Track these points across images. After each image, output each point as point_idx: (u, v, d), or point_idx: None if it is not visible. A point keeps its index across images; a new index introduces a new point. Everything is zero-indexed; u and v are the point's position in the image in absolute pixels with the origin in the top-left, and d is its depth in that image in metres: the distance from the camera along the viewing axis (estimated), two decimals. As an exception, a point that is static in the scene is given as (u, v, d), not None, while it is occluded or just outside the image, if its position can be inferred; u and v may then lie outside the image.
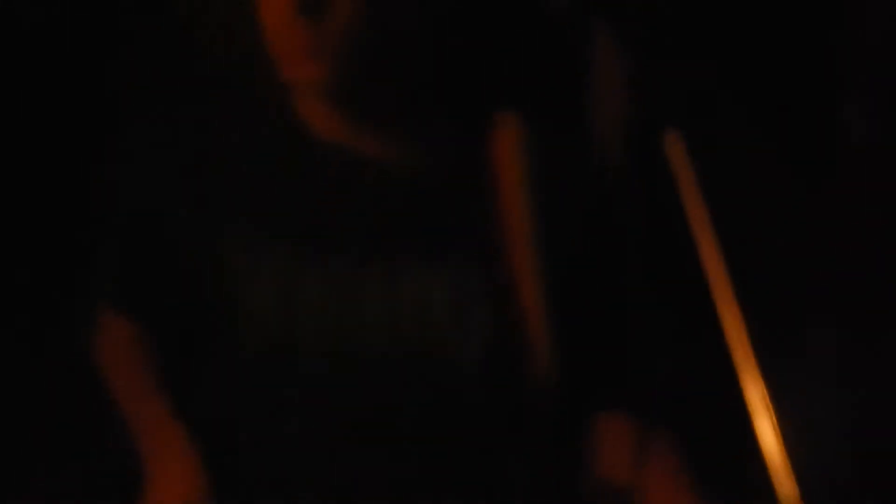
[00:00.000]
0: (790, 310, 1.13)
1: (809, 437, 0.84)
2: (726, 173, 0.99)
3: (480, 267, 0.97)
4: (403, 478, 0.95)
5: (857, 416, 1.14)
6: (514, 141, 1.03)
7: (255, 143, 0.99)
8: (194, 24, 1.31)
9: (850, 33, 1.29)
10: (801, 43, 1.27)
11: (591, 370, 0.98)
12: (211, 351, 1.00)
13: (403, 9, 0.93)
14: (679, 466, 0.95)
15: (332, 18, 0.87)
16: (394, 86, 0.98)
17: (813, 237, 1.17)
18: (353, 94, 0.95)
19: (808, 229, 1.20)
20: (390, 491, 0.94)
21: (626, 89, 1.19)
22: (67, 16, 1.47)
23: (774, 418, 0.79)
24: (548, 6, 1.18)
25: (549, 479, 0.97)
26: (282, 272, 0.95)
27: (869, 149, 1.20)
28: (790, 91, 1.26)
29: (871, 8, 1.28)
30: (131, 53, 1.39)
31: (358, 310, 0.95)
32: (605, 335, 0.99)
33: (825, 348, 1.15)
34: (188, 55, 1.29)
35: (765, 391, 0.79)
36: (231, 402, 0.99)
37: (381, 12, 0.89)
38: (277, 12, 0.89)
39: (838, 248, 1.17)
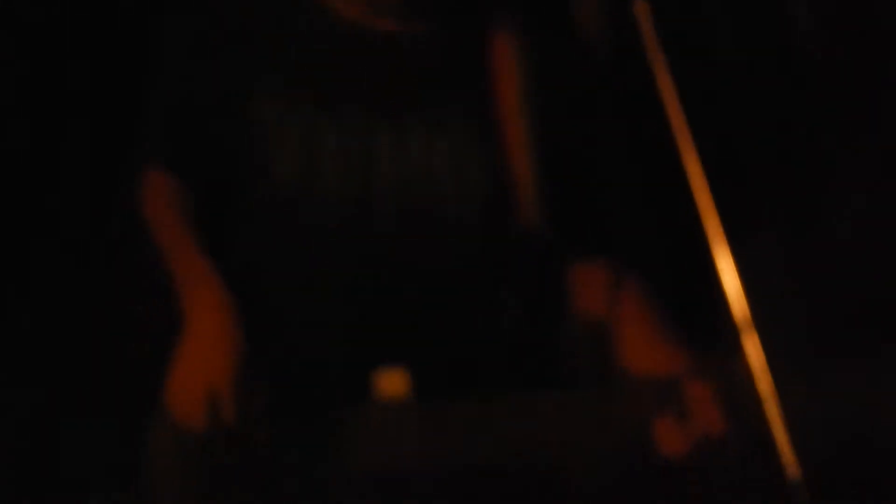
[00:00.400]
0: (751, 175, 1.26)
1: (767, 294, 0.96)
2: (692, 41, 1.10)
3: (478, 133, 1.10)
4: (405, 314, 1.09)
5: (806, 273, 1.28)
6: (511, 29, 1.15)
7: (284, 20, 1.11)
8: None
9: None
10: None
11: (572, 223, 1.12)
12: (242, 201, 1.12)
13: None
14: (650, 306, 1.08)
15: None
16: None
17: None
18: None
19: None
20: (394, 327, 1.08)
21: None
22: None
23: (737, 273, 0.91)
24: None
25: (535, 319, 1.11)
26: (304, 131, 1.08)
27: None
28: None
29: None
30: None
31: (369, 165, 1.09)
32: (585, 195, 1.13)
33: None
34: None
35: (729, 250, 0.91)
36: (258, 249, 1.12)
37: None
38: None
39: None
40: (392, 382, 1.06)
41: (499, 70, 1.14)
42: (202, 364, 1.01)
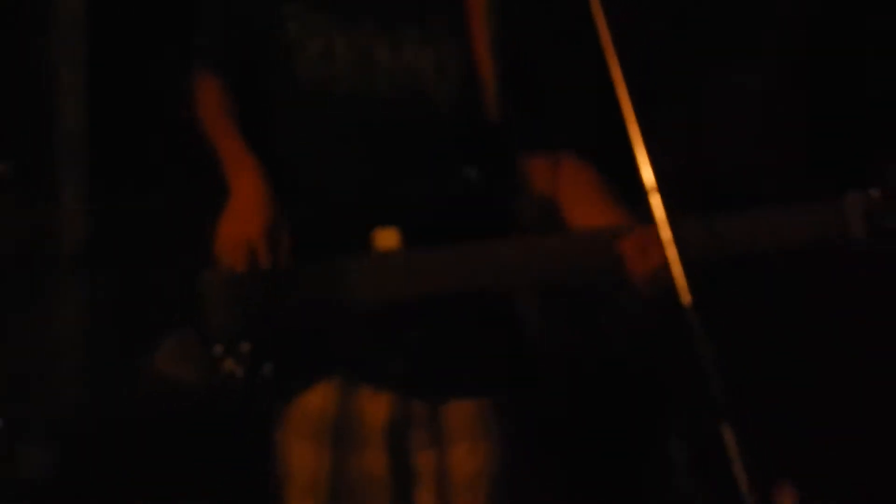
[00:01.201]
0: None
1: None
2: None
3: (456, 42, 1.43)
4: (397, 176, 1.41)
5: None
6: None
7: None
8: None
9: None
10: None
11: (527, 114, 1.44)
12: (274, 95, 1.46)
13: None
14: (590, 178, 1.41)
15: None
16: None
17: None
18: None
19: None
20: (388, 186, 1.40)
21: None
22: None
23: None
24: None
25: (496, 187, 1.43)
26: (322, 43, 1.42)
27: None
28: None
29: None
30: None
31: (372, 67, 1.42)
32: (538, 90, 1.45)
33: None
34: None
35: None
36: (288, 129, 1.45)
37: None
38: None
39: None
40: (387, 238, 1.39)
41: None
42: (242, 220, 1.34)
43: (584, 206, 1.42)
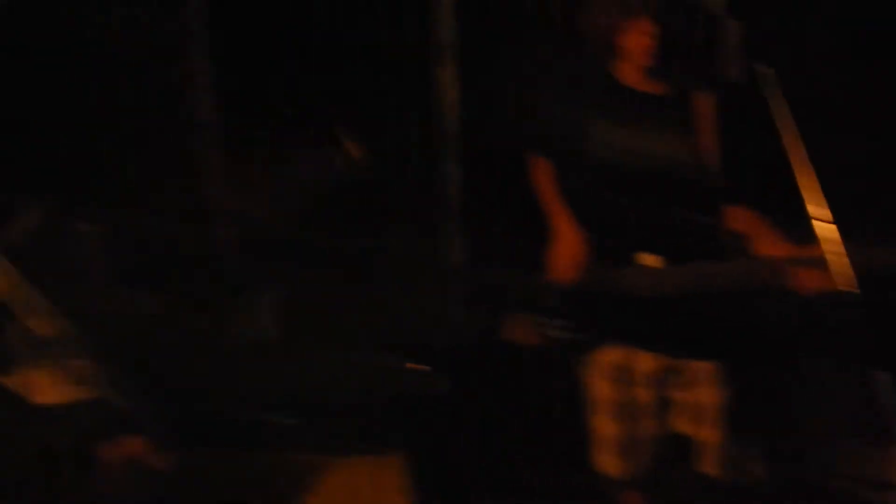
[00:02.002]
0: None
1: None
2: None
3: (689, 134, 2.34)
4: (653, 217, 2.33)
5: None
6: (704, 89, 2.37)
7: (597, 80, 2.38)
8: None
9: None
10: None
11: (734, 182, 2.31)
12: (576, 167, 2.41)
13: None
14: (768, 226, 2.24)
15: None
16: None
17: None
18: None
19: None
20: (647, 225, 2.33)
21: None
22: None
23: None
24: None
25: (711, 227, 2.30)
26: (607, 132, 2.36)
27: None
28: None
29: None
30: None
31: (634, 149, 2.36)
32: (742, 166, 2.31)
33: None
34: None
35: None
36: (584, 191, 2.41)
37: None
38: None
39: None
40: (648, 259, 2.30)
41: (701, 106, 2.32)
42: (567, 252, 2.34)
43: (765, 241, 2.23)
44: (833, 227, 1.81)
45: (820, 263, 1.84)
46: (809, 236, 1.85)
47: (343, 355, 3.02)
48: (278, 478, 2.50)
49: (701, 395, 2.38)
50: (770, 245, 2.20)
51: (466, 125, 3.32)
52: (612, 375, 2.41)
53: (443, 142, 3.41)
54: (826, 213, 1.82)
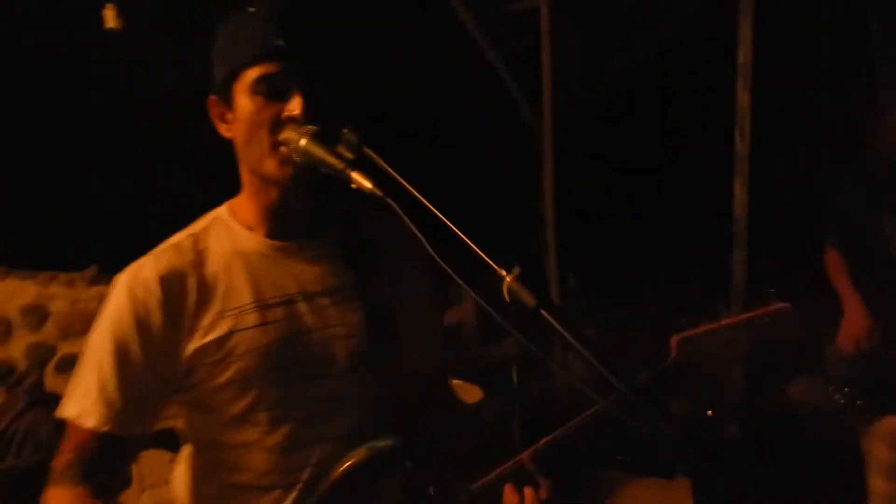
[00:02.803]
0: None
1: None
2: None
3: None
4: None
5: None
6: None
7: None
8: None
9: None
10: None
11: None
12: None
13: None
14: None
15: None
16: None
17: None
18: None
19: None
20: None
21: None
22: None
23: None
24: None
25: None
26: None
27: None
28: None
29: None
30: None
31: None
32: None
33: None
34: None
35: None
36: None
37: None
38: None
39: None
40: None
41: None
42: (855, 332, 2.69)
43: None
44: None
45: None
46: None
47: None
48: (588, 490, 3.05)
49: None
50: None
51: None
52: (890, 441, 2.72)
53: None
54: None
